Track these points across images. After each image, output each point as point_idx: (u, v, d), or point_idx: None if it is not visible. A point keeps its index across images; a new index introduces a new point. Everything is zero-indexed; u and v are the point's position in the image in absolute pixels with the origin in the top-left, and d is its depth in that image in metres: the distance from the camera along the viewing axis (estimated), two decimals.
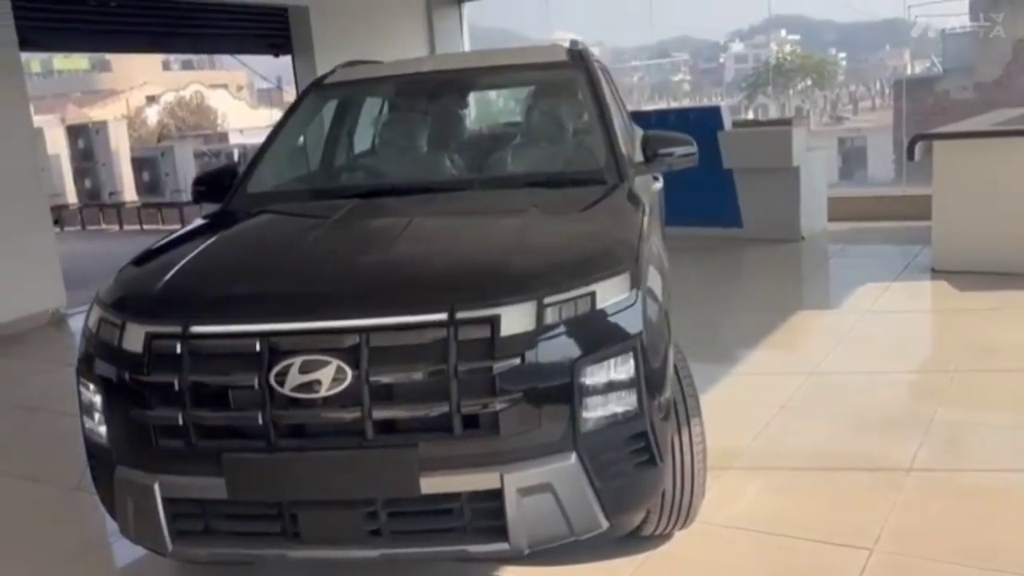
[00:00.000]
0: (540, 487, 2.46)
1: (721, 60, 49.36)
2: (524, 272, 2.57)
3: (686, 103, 27.96)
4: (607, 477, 2.54)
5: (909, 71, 23.79)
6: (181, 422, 2.51)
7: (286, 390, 2.42)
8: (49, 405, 5.43)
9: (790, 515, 3.25)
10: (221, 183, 3.92)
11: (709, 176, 7.41)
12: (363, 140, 4.41)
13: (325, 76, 4.35)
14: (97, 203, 15.43)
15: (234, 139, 24.13)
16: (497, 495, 2.44)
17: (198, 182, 4.01)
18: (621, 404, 2.55)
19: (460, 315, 2.43)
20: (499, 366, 2.41)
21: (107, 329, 2.72)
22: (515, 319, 2.45)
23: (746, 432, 3.98)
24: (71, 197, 15.46)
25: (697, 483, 2.93)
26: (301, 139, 4.27)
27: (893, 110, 18.24)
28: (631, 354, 2.56)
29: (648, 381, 2.58)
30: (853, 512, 3.24)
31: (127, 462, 2.65)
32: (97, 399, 2.74)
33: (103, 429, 2.73)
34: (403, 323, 2.44)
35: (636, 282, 2.65)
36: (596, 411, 2.52)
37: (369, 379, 2.40)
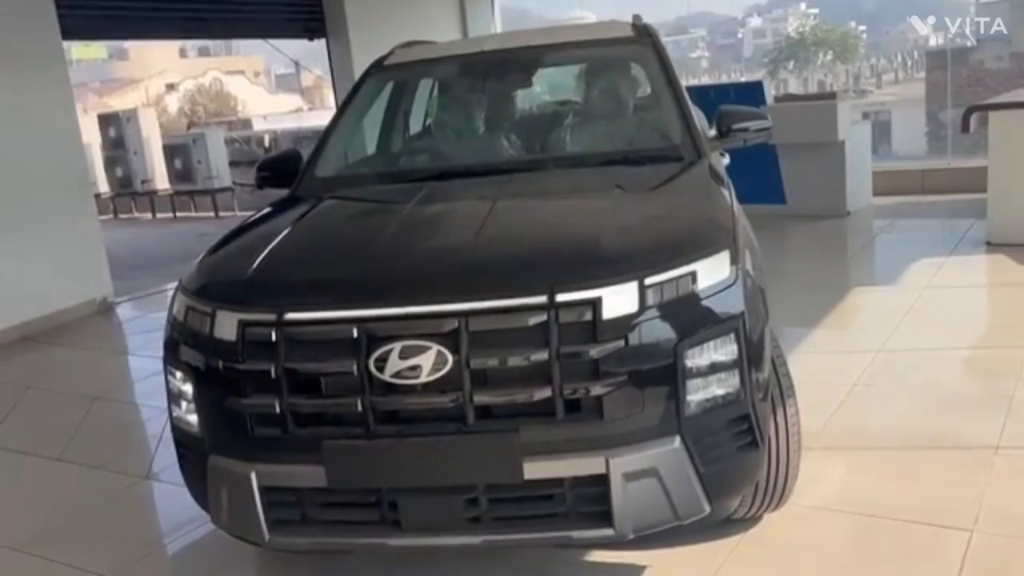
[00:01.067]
0: (646, 472, 2.41)
1: (739, 35, 48.82)
2: (622, 252, 2.51)
3: (705, 80, 27.55)
4: (710, 461, 2.49)
5: (933, 42, 23.29)
6: (278, 410, 2.48)
7: (386, 376, 2.39)
8: (108, 394, 5.44)
9: (880, 495, 3.20)
10: (286, 168, 3.88)
11: (752, 152, 7.29)
12: (427, 122, 4.34)
13: (385, 57, 4.29)
14: (129, 191, 15.47)
15: (258, 125, 24.15)
16: (602, 480, 2.39)
17: (262, 168, 3.97)
18: (724, 386, 2.50)
19: (560, 297, 2.38)
20: (602, 349, 2.36)
21: (196, 317, 2.69)
22: (616, 301, 2.40)
23: (822, 412, 3.91)
24: (103, 186, 15.49)
25: (792, 464, 2.88)
26: (363, 122, 4.20)
27: (926, 82, 17.88)
28: (733, 335, 2.50)
29: (749, 362, 2.53)
30: (945, 492, 3.17)
31: (221, 451, 2.63)
32: (187, 387, 2.72)
33: (194, 418, 2.71)
34: (503, 306, 2.39)
35: (735, 260, 2.59)
36: (699, 394, 2.47)
37: (470, 364, 2.36)
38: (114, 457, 4.37)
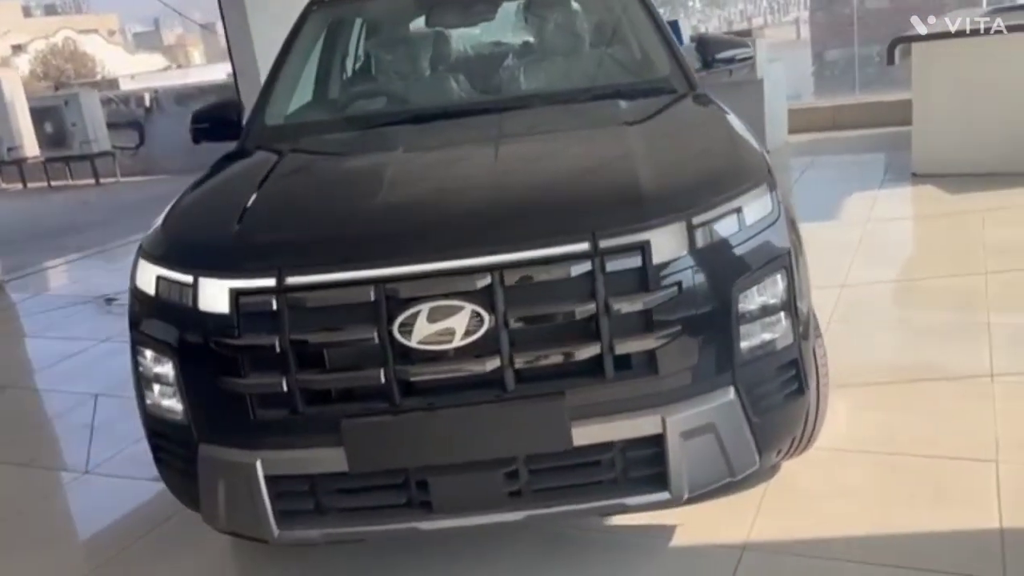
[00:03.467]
0: (703, 428, 2.22)
1: None
2: (664, 190, 2.28)
3: None
4: (761, 411, 2.32)
5: None
6: (285, 388, 2.17)
7: (412, 342, 2.11)
8: (18, 382, 4.91)
9: (891, 432, 3.11)
10: (226, 118, 3.48)
11: None
12: (386, 60, 3.96)
13: None
14: None
15: (126, 85, 22.72)
16: (658, 441, 2.19)
17: (199, 119, 3.55)
18: (773, 330, 2.33)
19: (605, 243, 2.14)
20: (653, 298, 2.13)
21: (172, 288, 2.33)
22: (665, 243, 2.17)
23: None
24: None
25: (823, 407, 2.74)
26: (309, 65, 3.81)
27: (810, 24, 18.32)
28: (782, 273, 2.33)
29: (795, 302, 2.36)
30: (956, 424, 3.11)
31: (216, 439, 2.29)
32: (165, 369, 2.36)
33: (176, 403, 2.36)
34: (542, 256, 2.13)
35: (774, 192, 2.41)
36: (751, 339, 2.29)
37: (508, 323, 2.10)
38: (43, 452, 3.91)
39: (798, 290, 2.38)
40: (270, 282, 2.17)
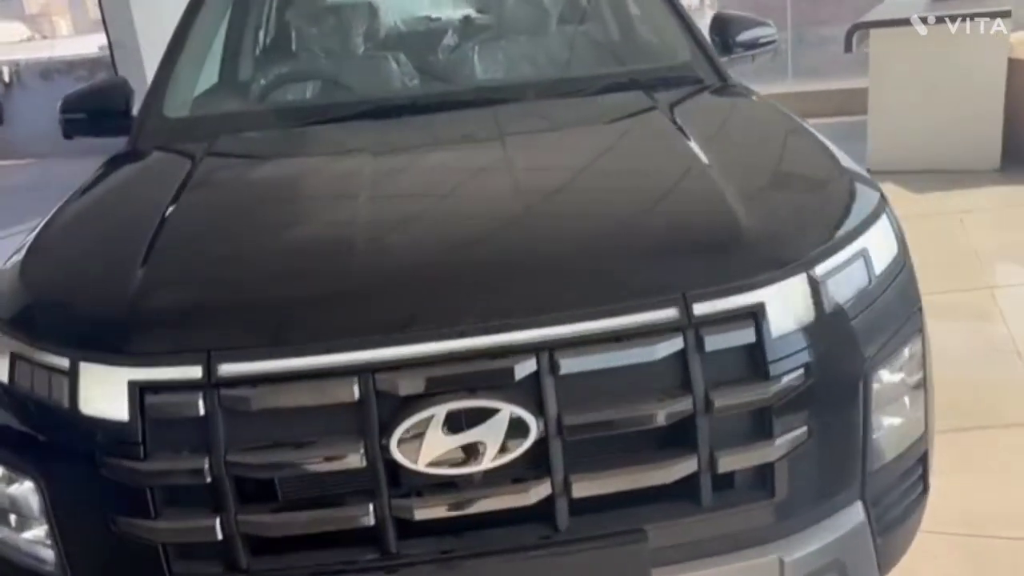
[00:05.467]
0: (828, 567, 1.57)
1: None
2: (769, 226, 1.61)
3: None
4: (885, 527, 1.69)
5: None
6: (221, 534, 1.40)
7: (420, 464, 1.38)
8: None
9: (965, 503, 2.56)
10: (111, 107, 2.62)
11: None
12: (322, 33, 3.10)
13: None
14: None
15: None
16: None
17: (71, 106, 2.67)
18: (906, 417, 1.69)
19: (701, 308, 1.45)
20: (773, 388, 1.47)
21: (36, 376, 1.53)
22: (785, 305, 1.51)
23: None
24: None
25: None
26: (218, 39, 2.97)
27: (717, 8, 17.96)
28: (918, 338, 1.69)
29: (928, 375, 1.74)
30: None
31: None
32: (26, 496, 1.55)
33: (43, 549, 1.56)
34: (611, 330, 1.43)
35: (897, 225, 1.78)
36: (882, 434, 1.64)
37: (564, 430, 1.40)
38: None
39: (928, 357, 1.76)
40: (194, 372, 1.41)
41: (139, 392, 1.41)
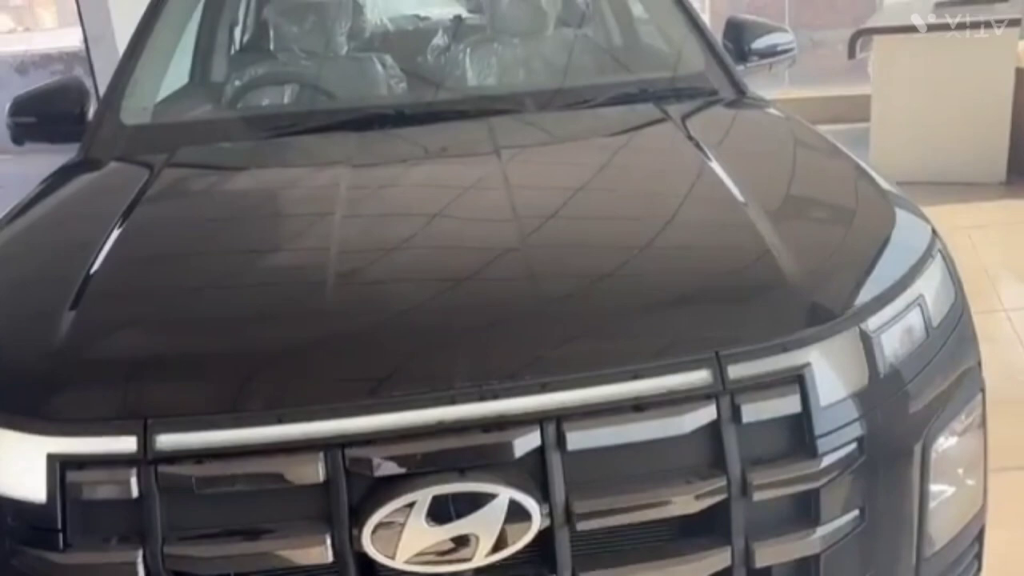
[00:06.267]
0: None
1: None
2: (813, 270, 1.37)
3: None
4: None
5: None
6: None
7: (398, 561, 1.14)
8: None
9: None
10: (63, 110, 2.36)
11: None
12: (301, 29, 2.81)
13: None
14: None
15: None
16: None
17: (20, 109, 2.41)
18: (965, 492, 1.46)
19: (736, 370, 1.22)
20: (821, 467, 1.23)
21: None
22: (835, 366, 1.27)
23: None
24: None
25: None
26: (186, 34, 2.71)
27: (709, 12, 17.81)
28: (979, 399, 1.47)
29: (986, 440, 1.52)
30: None
31: None
32: None
33: None
34: (629, 397, 1.20)
35: (951, 266, 1.55)
36: (941, 515, 1.41)
37: (573, 520, 1.16)
38: None
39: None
40: (127, 444, 1.16)
41: (59, 467, 1.17)
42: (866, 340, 1.30)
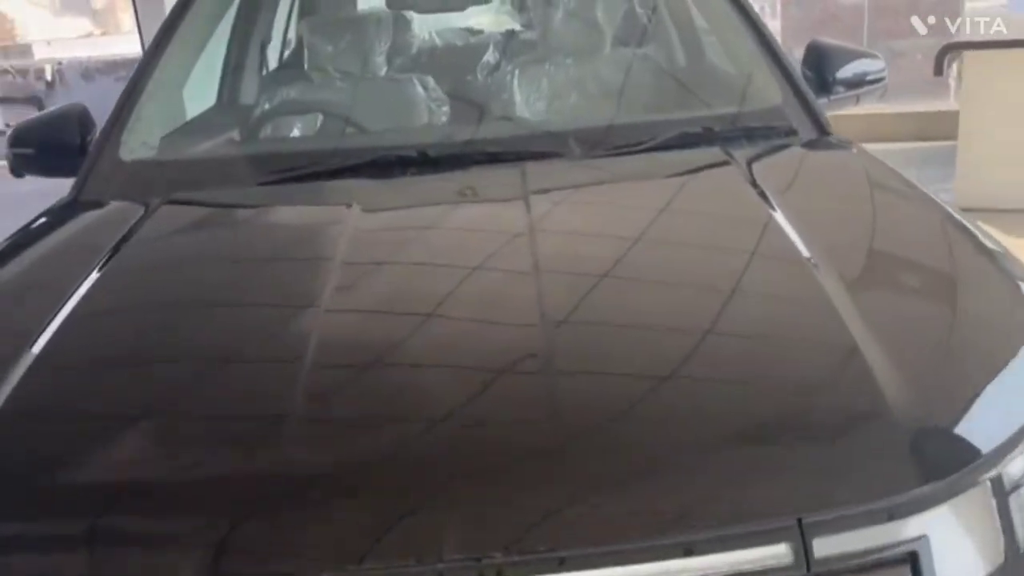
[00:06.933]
0: None
1: None
2: (930, 401, 1.05)
3: None
4: None
5: None
6: None
7: None
8: None
9: None
10: (64, 141, 2.14)
11: None
12: (320, 56, 2.56)
13: None
14: None
15: (40, 52, 20.59)
16: None
17: (20, 140, 2.20)
18: None
19: (823, 544, 0.90)
20: None
21: None
22: (960, 535, 0.95)
23: None
24: None
25: None
26: (203, 59, 2.47)
27: (781, 19, 17.30)
28: None
29: None
30: None
31: None
32: None
33: None
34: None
35: None
36: None
37: None
38: None
39: None
40: None
41: None
42: (1001, 498, 0.97)
